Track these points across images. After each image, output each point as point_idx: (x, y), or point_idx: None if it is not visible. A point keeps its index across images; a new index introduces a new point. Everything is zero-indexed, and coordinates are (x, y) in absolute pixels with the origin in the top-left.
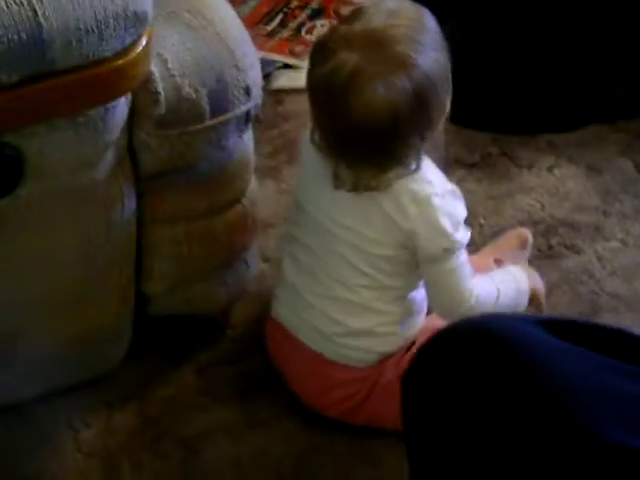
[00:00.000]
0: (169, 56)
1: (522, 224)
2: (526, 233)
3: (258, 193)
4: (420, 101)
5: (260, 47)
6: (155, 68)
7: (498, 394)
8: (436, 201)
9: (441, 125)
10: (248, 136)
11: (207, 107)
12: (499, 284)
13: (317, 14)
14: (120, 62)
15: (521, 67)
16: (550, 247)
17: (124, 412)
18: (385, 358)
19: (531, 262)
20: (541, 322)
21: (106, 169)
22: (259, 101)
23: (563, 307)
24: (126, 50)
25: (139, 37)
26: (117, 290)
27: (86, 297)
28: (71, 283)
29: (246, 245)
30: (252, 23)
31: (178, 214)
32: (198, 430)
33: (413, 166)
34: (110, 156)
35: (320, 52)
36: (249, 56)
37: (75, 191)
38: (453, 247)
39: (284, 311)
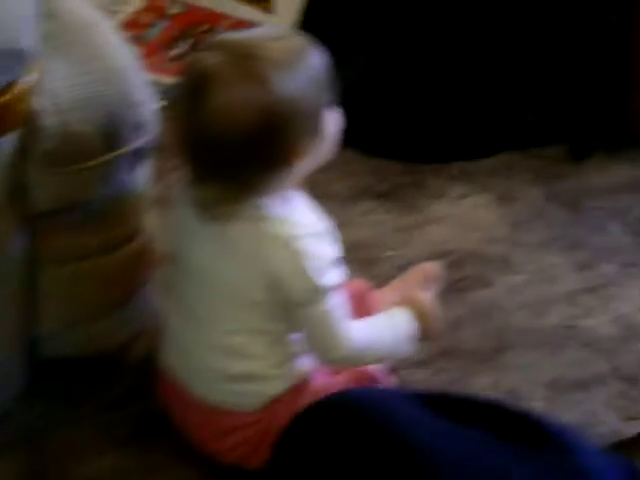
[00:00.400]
0: (58, 91)
1: (432, 256)
2: (434, 267)
3: (165, 222)
4: (272, 128)
5: (166, 72)
6: (43, 104)
7: (363, 470)
8: (300, 244)
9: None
10: (143, 171)
11: (97, 144)
12: (379, 329)
13: None
14: (5, 99)
15: (433, 95)
16: (459, 280)
17: (12, 457)
18: (274, 401)
19: (440, 295)
20: (418, 396)
21: None
22: (153, 136)
23: (471, 342)
24: (11, 86)
25: (20, 75)
26: (5, 331)
27: None
28: None
29: (144, 281)
30: (159, 48)
31: (70, 253)
32: (92, 475)
33: (271, 202)
34: None
35: (193, 53)
36: (141, 91)
37: None
38: (320, 291)
39: (170, 357)
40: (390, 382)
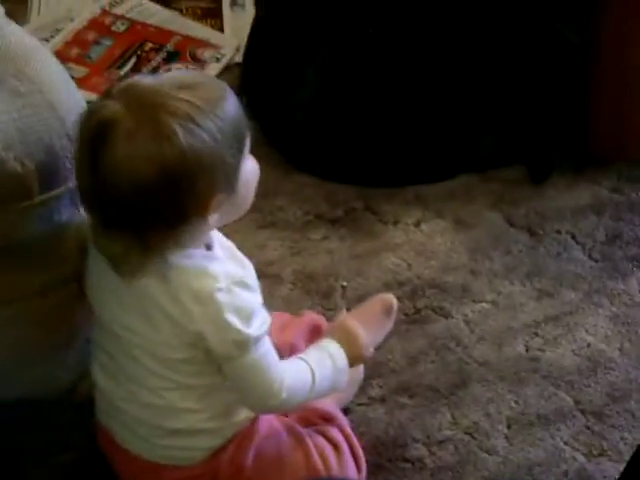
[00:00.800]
0: None
1: (387, 286)
2: (391, 299)
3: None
4: (174, 183)
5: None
6: None
7: None
8: (220, 297)
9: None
10: None
11: (35, 182)
12: (314, 366)
13: (173, 57)
14: None
15: (386, 117)
16: (417, 311)
17: None
18: (218, 451)
19: (397, 326)
20: None
21: None
22: None
23: (430, 377)
24: None
25: None
26: None
27: None
28: None
29: (86, 323)
30: (104, 67)
31: (6, 295)
32: None
33: (185, 254)
34: None
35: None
36: None
37: None
38: (247, 342)
39: (102, 416)
40: (342, 419)
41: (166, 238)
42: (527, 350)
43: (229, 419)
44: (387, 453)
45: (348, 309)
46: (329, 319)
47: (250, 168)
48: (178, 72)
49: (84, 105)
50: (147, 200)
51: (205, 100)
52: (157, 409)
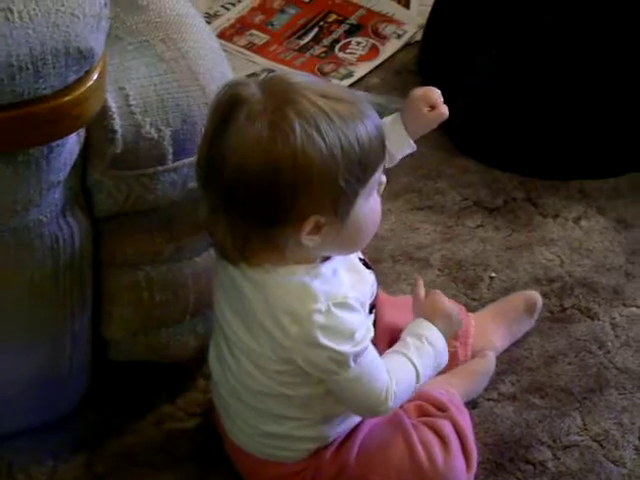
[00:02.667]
0: (132, 91)
1: (536, 281)
2: (536, 296)
3: None
4: (269, 177)
5: (288, 64)
6: (114, 104)
7: None
8: (319, 319)
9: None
10: None
11: (170, 148)
12: (416, 360)
13: (354, 30)
14: (62, 101)
15: (557, 107)
16: (563, 309)
17: (71, 464)
18: (319, 450)
19: (539, 324)
20: None
21: (52, 210)
22: None
23: (566, 379)
24: (69, 88)
25: (85, 75)
26: (69, 334)
27: (35, 339)
28: (17, 324)
29: None
30: (285, 35)
31: (139, 258)
32: None
33: (276, 265)
34: (57, 196)
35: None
36: None
37: (18, 232)
38: (346, 362)
39: (215, 399)
40: (458, 410)
41: (261, 236)
42: None
43: (329, 427)
44: (509, 453)
45: (492, 300)
46: (472, 309)
47: (372, 207)
48: (333, 84)
49: (230, 77)
50: (245, 186)
51: (338, 113)
52: (256, 411)
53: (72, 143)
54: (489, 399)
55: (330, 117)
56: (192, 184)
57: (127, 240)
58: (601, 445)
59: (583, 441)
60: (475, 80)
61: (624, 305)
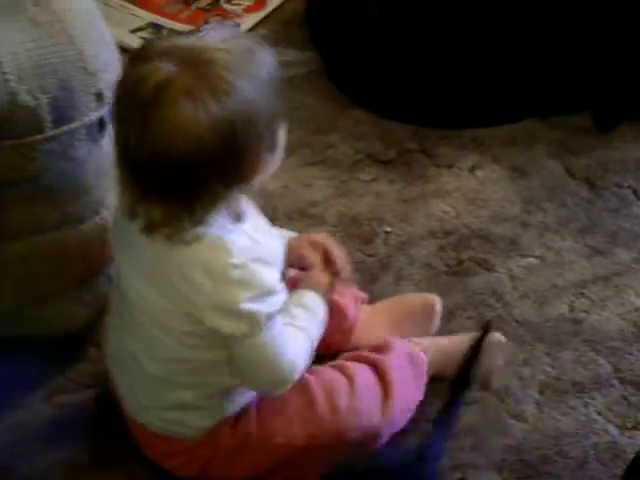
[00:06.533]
0: (4, 58)
1: (432, 234)
2: (435, 301)
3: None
4: (230, 136)
5: (173, 17)
6: None
7: None
8: (234, 273)
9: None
10: (108, 142)
11: (48, 116)
12: (308, 327)
13: None
14: None
15: (447, 55)
16: (459, 262)
17: None
18: (218, 425)
19: (436, 278)
20: None
21: None
22: None
23: (465, 332)
24: None
25: None
26: None
27: None
28: None
29: (107, 258)
30: None
31: (22, 229)
32: (38, 467)
33: (208, 222)
34: None
35: (135, 59)
36: (103, 57)
37: None
38: (259, 322)
39: (113, 370)
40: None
41: (216, 201)
42: (571, 311)
43: (227, 401)
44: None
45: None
46: (368, 265)
47: (284, 126)
48: (209, 29)
49: (109, 40)
50: (209, 157)
51: (247, 50)
52: (157, 380)
53: None
54: None
55: (247, 58)
56: (73, 152)
57: (9, 211)
58: (502, 400)
59: (483, 397)
60: (363, 30)
61: (521, 256)
